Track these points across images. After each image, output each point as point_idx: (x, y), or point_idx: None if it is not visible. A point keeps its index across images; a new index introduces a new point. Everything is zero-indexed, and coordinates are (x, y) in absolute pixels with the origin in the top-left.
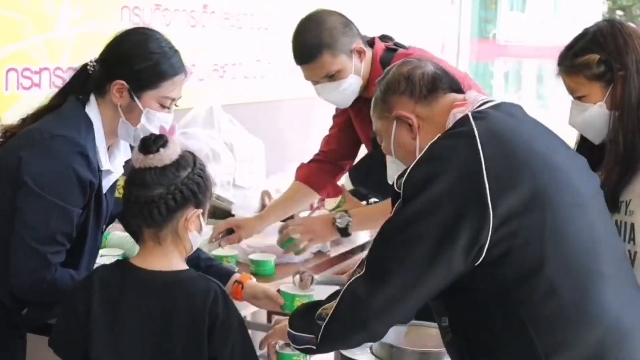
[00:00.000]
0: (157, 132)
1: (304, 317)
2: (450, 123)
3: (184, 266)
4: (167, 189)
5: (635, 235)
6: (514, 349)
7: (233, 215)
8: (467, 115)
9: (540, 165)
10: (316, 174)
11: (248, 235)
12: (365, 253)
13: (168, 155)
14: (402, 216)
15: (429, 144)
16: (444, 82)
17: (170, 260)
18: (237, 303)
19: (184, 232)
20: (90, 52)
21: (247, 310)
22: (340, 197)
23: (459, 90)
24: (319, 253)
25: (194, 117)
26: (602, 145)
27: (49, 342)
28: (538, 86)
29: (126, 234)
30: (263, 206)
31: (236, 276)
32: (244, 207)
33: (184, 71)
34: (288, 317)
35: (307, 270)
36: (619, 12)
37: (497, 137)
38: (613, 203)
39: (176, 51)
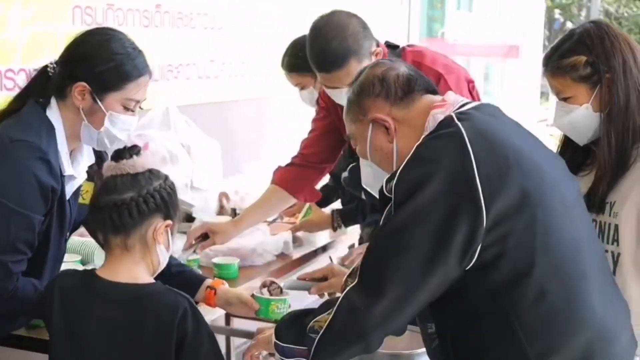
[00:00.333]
0: (121, 135)
1: (292, 328)
2: (429, 124)
3: (150, 280)
4: (139, 193)
5: (619, 236)
6: (504, 355)
7: (194, 219)
8: (450, 116)
9: (528, 166)
10: (294, 178)
11: (223, 241)
12: (327, 254)
13: (141, 163)
14: (395, 222)
15: (416, 145)
16: (419, 84)
17: (137, 272)
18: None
19: (153, 243)
20: (42, 52)
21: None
22: (306, 207)
23: (433, 91)
24: (281, 255)
25: (151, 119)
26: (586, 147)
27: None
28: (485, 84)
29: (84, 239)
30: (221, 207)
31: (208, 282)
32: (205, 209)
33: (148, 72)
34: (273, 327)
35: (274, 282)
36: (557, 11)
37: (484, 138)
38: (600, 204)
39: (140, 52)
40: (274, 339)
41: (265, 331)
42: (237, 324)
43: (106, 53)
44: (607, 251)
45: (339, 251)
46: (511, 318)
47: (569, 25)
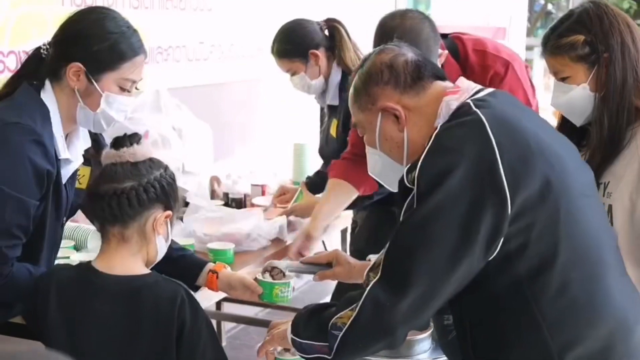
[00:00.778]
0: (118, 116)
1: (310, 323)
2: (443, 111)
3: (145, 270)
4: (139, 182)
5: (612, 217)
6: (526, 348)
7: (188, 203)
8: (468, 103)
9: (550, 153)
10: (352, 171)
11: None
12: (321, 239)
13: (142, 152)
14: (419, 215)
15: (435, 134)
16: (428, 70)
17: (133, 263)
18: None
19: (152, 234)
20: (31, 34)
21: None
22: (297, 192)
23: (442, 77)
24: (276, 240)
25: (142, 102)
26: (582, 128)
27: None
28: None
29: (77, 224)
30: (213, 192)
31: (210, 265)
32: (199, 194)
33: (144, 52)
34: (287, 322)
35: (275, 267)
36: None
37: (505, 125)
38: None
39: (135, 31)
40: (290, 335)
41: (280, 326)
42: (228, 308)
43: (101, 32)
44: None
45: (332, 236)
46: (534, 310)
47: (550, 7)
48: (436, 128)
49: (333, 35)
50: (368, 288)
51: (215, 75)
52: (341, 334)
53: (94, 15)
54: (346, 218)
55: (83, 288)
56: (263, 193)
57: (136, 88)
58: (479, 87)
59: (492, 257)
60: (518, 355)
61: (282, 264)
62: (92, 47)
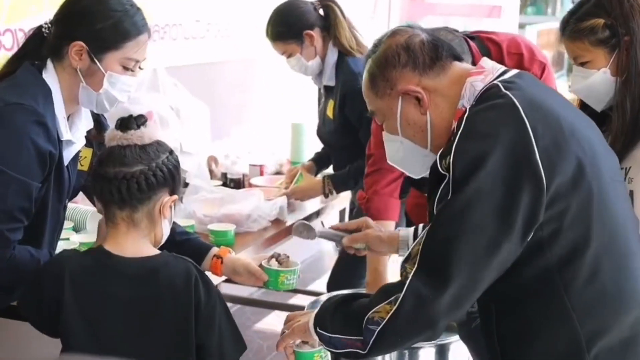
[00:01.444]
0: (121, 97)
1: (337, 316)
2: (467, 92)
3: (155, 251)
4: (149, 166)
5: (634, 202)
6: (555, 337)
7: (187, 184)
8: (497, 85)
9: (581, 137)
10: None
11: None
12: (320, 219)
13: (149, 134)
14: (457, 204)
15: (466, 118)
16: (445, 49)
17: (143, 245)
18: None
19: (159, 218)
20: (29, 12)
21: None
22: (298, 175)
23: (459, 57)
24: (276, 221)
25: (139, 81)
26: (603, 113)
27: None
28: None
29: (75, 205)
30: (210, 172)
31: (215, 250)
32: (199, 175)
33: (147, 30)
34: (306, 314)
35: (281, 253)
36: None
37: (537, 109)
38: None
39: (138, 9)
40: (312, 329)
41: (299, 318)
42: (224, 289)
43: (104, 10)
44: None
45: (330, 216)
46: (564, 298)
47: None
48: (461, 109)
49: (328, 15)
50: (408, 281)
51: (212, 54)
52: (379, 328)
53: None
54: (345, 198)
55: (98, 273)
56: (261, 173)
57: (140, 67)
58: (504, 67)
59: (525, 243)
60: (545, 345)
61: (314, 226)
62: (95, 25)
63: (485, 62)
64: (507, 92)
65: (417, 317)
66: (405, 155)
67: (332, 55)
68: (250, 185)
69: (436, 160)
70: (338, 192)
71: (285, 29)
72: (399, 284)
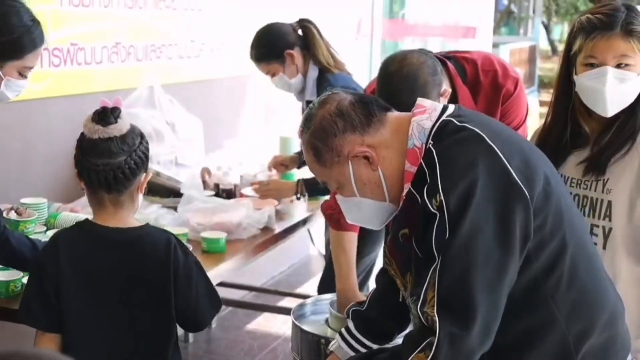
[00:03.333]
0: (12, 96)
1: None
2: (416, 132)
3: (139, 222)
4: (129, 154)
5: (612, 212)
6: (545, 342)
7: (182, 194)
8: (450, 121)
9: (537, 152)
10: None
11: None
12: (306, 227)
13: (125, 124)
14: (460, 239)
15: (437, 155)
16: (374, 104)
17: (127, 218)
18: None
19: (137, 194)
20: None
21: None
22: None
23: (388, 107)
24: (265, 229)
25: (137, 98)
26: (573, 130)
27: (18, 316)
28: None
29: (76, 214)
30: (204, 182)
31: None
32: (192, 186)
33: (45, 41)
34: None
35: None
36: None
37: (497, 135)
38: (602, 166)
39: (38, 23)
40: None
41: None
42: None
43: (7, 26)
44: (597, 226)
45: (317, 223)
46: (551, 304)
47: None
48: (414, 149)
49: (306, 35)
50: (438, 325)
51: (205, 72)
52: None
53: (2, 9)
54: None
55: (87, 241)
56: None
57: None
58: (442, 104)
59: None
60: (536, 353)
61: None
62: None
63: (424, 101)
64: (465, 125)
65: (456, 355)
66: (365, 213)
67: (313, 72)
68: (242, 195)
69: (425, 202)
70: (310, 195)
71: (267, 50)
72: (424, 330)
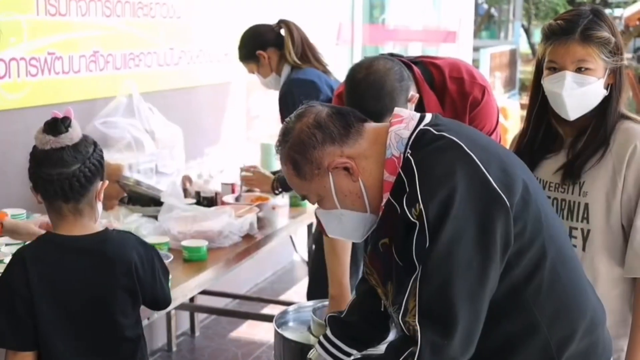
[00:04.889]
0: None
1: None
2: (394, 142)
3: (100, 228)
4: (83, 162)
5: (589, 214)
6: (528, 349)
7: (162, 203)
8: (428, 130)
9: (514, 159)
10: None
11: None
12: (288, 234)
13: (76, 133)
14: (440, 248)
15: (415, 164)
16: (351, 115)
17: (89, 225)
18: None
19: (95, 202)
20: (9, 44)
21: None
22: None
23: (363, 118)
24: (247, 236)
25: (116, 106)
26: (550, 133)
27: None
28: None
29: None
30: (184, 190)
31: None
32: (173, 194)
33: None
34: None
35: None
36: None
37: (474, 142)
38: (577, 173)
39: None
40: None
41: None
42: (200, 300)
43: None
44: (576, 228)
45: (300, 230)
46: (533, 310)
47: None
48: (392, 158)
49: (283, 35)
50: (419, 334)
51: (185, 80)
52: None
53: None
54: (312, 214)
55: (54, 253)
56: (233, 191)
57: None
58: (420, 114)
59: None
60: (521, 358)
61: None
62: None
63: (401, 111)
64: (443, 133)
65: None
66: (346, 226)
67: (286, 71)
68: (223, 203)
69: (404, 211)
70: (286, 191)
71: (244, 51)
72: (406, 339)
